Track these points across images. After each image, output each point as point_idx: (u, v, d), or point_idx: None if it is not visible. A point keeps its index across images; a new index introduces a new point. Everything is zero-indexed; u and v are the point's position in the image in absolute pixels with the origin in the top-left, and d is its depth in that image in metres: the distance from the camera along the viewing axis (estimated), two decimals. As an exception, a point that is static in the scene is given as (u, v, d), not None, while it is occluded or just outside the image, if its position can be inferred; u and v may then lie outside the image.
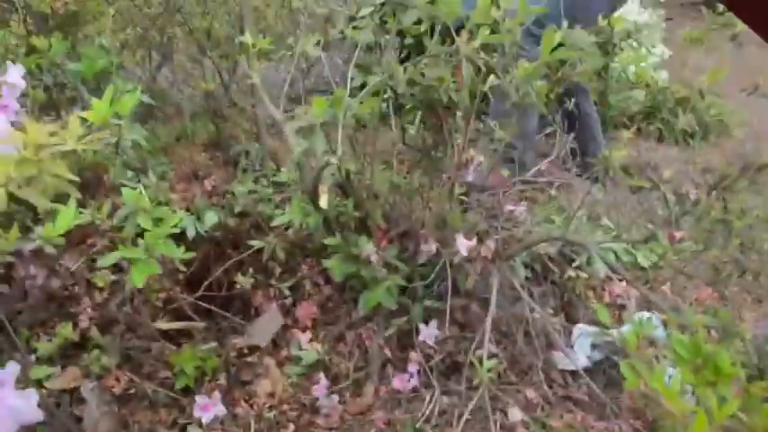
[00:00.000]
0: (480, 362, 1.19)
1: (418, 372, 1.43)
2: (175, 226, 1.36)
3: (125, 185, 1.55)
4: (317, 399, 1.40)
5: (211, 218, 1.66)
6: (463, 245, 1.26)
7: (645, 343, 1.48)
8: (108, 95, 1.07)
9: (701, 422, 0.80)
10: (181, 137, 2.25)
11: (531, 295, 1.46)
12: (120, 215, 1.39)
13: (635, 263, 1.68)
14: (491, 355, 1.43)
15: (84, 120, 1.15)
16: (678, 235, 1.09)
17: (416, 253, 1.41)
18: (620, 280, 1.55)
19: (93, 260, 1.63)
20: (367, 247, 1.34)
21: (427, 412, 1.35)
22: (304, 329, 1.55)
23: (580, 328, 1.52)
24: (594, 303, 1.62)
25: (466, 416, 1.29)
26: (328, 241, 1.42)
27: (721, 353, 1.05)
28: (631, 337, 1.04)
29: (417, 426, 1.30)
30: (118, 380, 1.37)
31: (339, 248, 1.41)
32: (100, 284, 1.45)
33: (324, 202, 1.19)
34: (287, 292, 1.58)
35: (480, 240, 1.29)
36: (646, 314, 1.39)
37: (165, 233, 1.22)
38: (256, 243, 1.56)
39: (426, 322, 1.43)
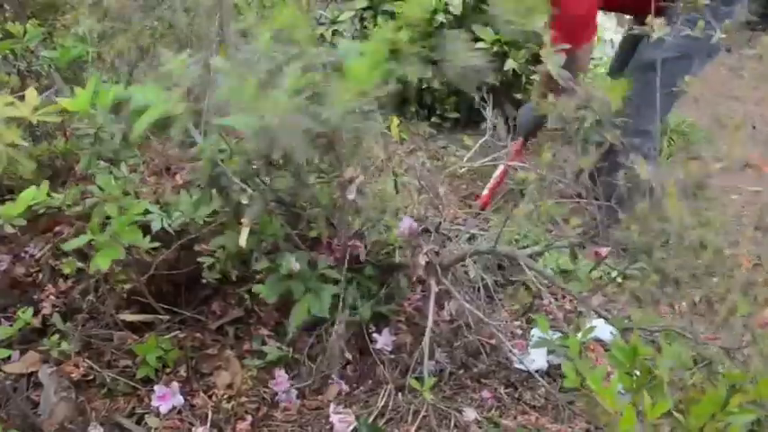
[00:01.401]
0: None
1: (375, 371, 1.45)
2: (141, 215, 1.38)
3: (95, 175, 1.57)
4: (277, 393, 1.42)
5: (179, 213, 1.66)
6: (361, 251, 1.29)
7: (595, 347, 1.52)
8: (91, 85, 1.09)
9: (629, 418, 0.83)
10: (155, 131, 2.25)
11: (490, 298, 1.49)
12: (88, 203, 1.40)
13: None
14: (437, 362, 1.48)
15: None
16: (603, 252, 1.13)
17: (357, 259, 1.42)
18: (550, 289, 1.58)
19: (60, 248, 1.64)
20: (292, 263, 1.33)
21: (381, 406, 1.37)
22: (268, 327, 1.57)
23: (537, 331, 1.55)
24: (556, 305, 1.65)
25: (422, 413, 1.31)
26: (256, 266, 1.41)
27: (665, 355, 1.09)
28: (573, 342, 1.07)
29: (370, 421, 1.33)
30: (77, 366, 1.38)
31: (271, 269, 1.40)
32: (66, 271, 1.44)
33: (243, 239, 1.18)
34: (246, 296, 1.59)
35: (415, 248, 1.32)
36: (600, 321, 1.42)
37: (130, 220, 1.24)
38: (214, 243, 1.53)
39: (378, 325, 1.45)
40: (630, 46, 2.34)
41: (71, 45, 1.62)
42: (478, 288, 1.53)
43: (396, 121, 2.88)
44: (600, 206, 1.11)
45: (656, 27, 1.12)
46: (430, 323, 1.29)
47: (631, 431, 0.86)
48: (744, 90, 4.96)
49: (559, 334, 1.54)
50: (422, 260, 1.34)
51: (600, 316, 1.25)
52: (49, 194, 1.25)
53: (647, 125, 2.00)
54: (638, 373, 1.07)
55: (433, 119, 3.08)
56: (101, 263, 1.18)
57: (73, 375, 1.36)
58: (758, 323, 1.22)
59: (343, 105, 1.05)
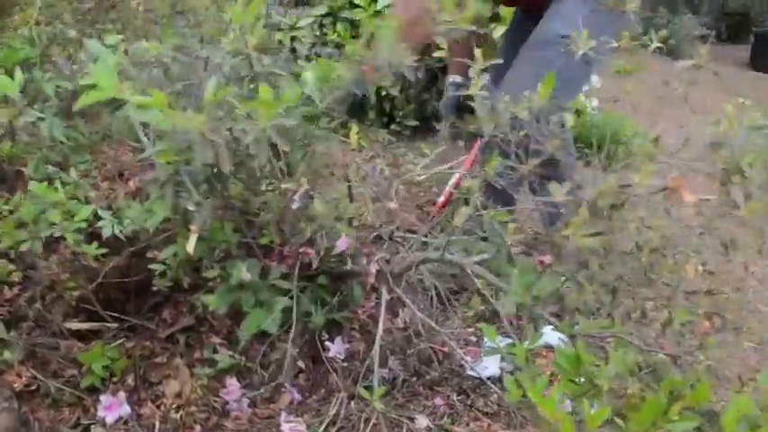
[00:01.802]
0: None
1: (328, 379, 1.45)
2: (86, 221, 1.36)
3: (44, 180, 1.53)
4: (228, 402, 1.40)
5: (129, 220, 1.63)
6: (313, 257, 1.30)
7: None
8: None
9: (567, 428, 0.84)
10: (108, 135, 2.21)
11: (444, 306, 1.50)
12: (33, 209, 1.37)
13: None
14: (390, 369, 1.49)
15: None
16: (546, 260, 1.14)
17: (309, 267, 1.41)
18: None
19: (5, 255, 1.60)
20: (243, 272, 1.33)
21: (332, 414, 1.36)
22: (220, 335, 1.55)
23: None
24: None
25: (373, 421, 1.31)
26: (207, 274, 1.40)
27: (612, 362, 1.11)
28: (519, 350, 1.08)
29: (321, 429, 1.32)
30: (19, 376, 1.34)
31: (222, 277, 1.39)
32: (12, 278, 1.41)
33: (191, 246, 1.17)
34: (198, 304, 1.57)
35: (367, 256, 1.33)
36: (549, 327, 1.44)
37: (73, 227, 1.21)
38: (165, 253, 1.50)
39: (331, 333, 1.45)
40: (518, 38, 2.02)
41: (18, 46, 1.58)
42: (432, 296, 1.54)
43: (355, 128, 2.88)
44: (542, 213, 1.13)
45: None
46: (380, 331, 1.30)
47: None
48: (697, 102, 5.10)
49: (510, 341, 1.55)
50: (373, 268, 1.34)
51: (548, 322, 1.26)
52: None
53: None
54: (582, 380, 1.09)
55: (392, 126, 3.10)
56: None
57: (15, 385, 1.32)
58: (699, 330, 1.25)
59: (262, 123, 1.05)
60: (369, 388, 1.28)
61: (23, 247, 1.30)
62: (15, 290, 1.62)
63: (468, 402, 1.50)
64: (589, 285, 1.06)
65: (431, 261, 1.36)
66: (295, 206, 1.18)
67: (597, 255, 1.04)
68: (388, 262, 1.37)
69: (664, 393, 0.98)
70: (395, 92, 2.84)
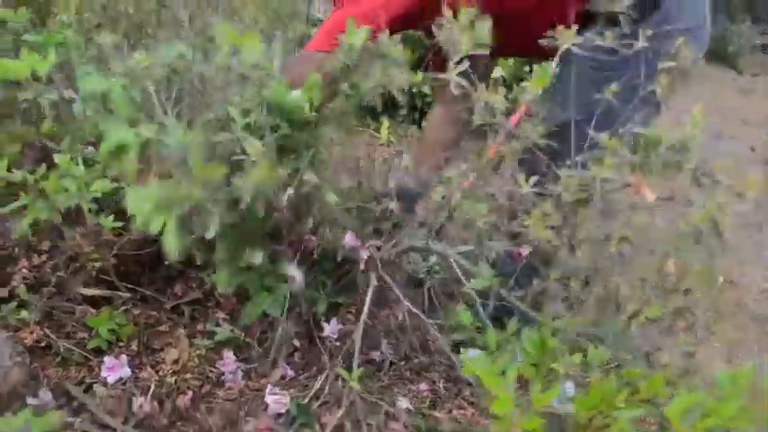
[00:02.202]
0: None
1: (321, 359, 1.51)
2: (104, 193, 1.46)
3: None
4: (223, 373, 1.48)
5: (155, 197, 1.73)
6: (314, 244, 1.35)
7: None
8: (28, 57, 1.17)
9: (505, 400, 0.88)
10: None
11: (431, 297, 1.54)
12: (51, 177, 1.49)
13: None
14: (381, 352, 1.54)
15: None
16: (524, 252, 1.17)
17: (312, 255, 1.47)
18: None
19: (36, 222, 1.72)
20: (255, 256, 1.38)
21: (317, 389, 1.42)
22: (225, 311, 1.64)
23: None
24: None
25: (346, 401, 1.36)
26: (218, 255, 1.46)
27: (593, 357, 1.13)
28: (490, 336, 1.12)
29: (305, 402, 1.38)
30: (32, 333, 1.45)
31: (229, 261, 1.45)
32: (14, 237, 1.52)
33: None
34: (206, 280, 1.65)
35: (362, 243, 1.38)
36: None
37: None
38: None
39: (328, 316, 1.51)
40: None
41: (57, 30, 1.70)
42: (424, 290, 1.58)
43: (386, 123, 2.94)
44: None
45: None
46: (364, 315, 1.35)
47: (508, 415, 0.91)
48: (751, 112, 4.96)
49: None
50: (364, 254, 1.39)
51: (526, 315, 1.29)
52: (9, 170, 1.34)
53: None
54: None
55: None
56: (24, 223, 1.25)
57: (26, 341, 1.43)
58: (679, 327, 1.25)
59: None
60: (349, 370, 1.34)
61: (42, 216, 1.41)
62: (43, 257, 1.74)
63: (455, 391, 1.53)
64: (555, 274, 1.09)
65: (417, 250, 1.40)
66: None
67: (563, 245, 1.07)
68: (378, 249, 1.42)
69: (615, 381, 1.00)
70: (427, 89, 2.88)
